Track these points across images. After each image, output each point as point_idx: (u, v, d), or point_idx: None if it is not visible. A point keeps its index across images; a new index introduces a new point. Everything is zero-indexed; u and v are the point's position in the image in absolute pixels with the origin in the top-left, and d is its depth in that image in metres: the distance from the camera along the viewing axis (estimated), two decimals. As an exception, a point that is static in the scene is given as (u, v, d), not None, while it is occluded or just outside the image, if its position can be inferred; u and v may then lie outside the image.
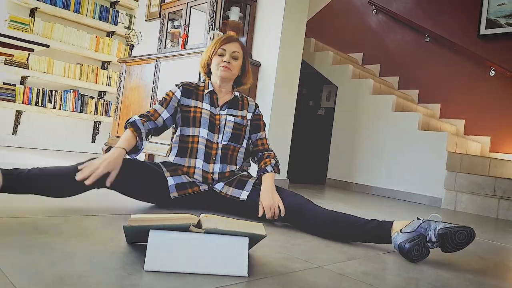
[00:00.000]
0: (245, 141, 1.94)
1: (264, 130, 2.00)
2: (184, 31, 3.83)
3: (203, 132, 1.82)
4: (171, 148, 1.90)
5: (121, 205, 1.75)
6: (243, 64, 1.94)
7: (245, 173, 1.92)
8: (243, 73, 1.96)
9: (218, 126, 1.85)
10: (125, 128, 1.72)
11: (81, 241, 1.16)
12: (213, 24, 3.58)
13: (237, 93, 1.95)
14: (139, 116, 1.78)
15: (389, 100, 4.33)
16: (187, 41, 3.80)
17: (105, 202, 1.77)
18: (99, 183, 1.55)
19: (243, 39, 3.64)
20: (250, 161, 2.05)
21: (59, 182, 1.52)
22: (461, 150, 4.15)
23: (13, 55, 2.94)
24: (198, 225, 1.03)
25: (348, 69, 4.70)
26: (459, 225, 1.35)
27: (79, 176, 1.49)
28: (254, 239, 1.11)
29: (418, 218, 1.44)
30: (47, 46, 2.52)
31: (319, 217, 1.58)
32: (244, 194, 1.77)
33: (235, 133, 1.88)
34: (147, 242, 1.15)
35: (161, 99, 1.86)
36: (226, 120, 1.87)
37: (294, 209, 1.65)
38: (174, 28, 4.17)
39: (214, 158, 1.82)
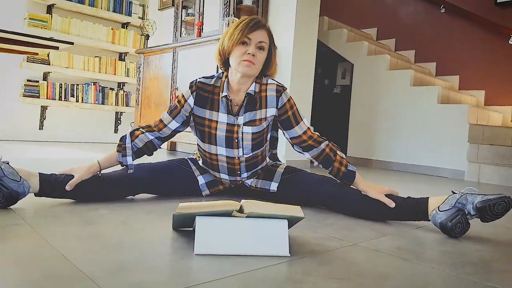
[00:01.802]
0: (269, 135, 1.80)
1: (302, 119, 1.72)
2: (199, 19, 3.87)
3: (221, 150, 1.72)
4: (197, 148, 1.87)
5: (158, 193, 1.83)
6: (268, 55, 1.68)
7: (270, 160, 1.89)
8: (267, 65, 1.70)
9: (236, 140, 1.70)
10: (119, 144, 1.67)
11: (129, 230, 1.24)
12: (227, 10, 3.60)
13: (252, 89, 1.68)
14: (142, 128, 1.71)
15: (407, 75, 4.31)
16: (202, 29, 3.84)
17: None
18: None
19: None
20: (294, 149, 1.79)
21: (93, 189, 1.57)
22: (483, 121, 4.13)
23: (37, 53, 3.03)
24: (240, 210, 1.09)
25: (363, 45, 4.68)
26: (496, 196, 1.36)
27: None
28: (292, 221, 1.17)
29: (453, 192, 1.45)
30: (72, 43, 2.59)
31: (356, 199, 1.62)
32: (273, 186, 1.78)
33: (256, 143, 1.73)
34: (191, 228, 1.23)
35: (171, 106, 1.74)
36: (243, 132, 1.69)
37: (331, 195, 1.66)
38: (188, 16, 4.21)
39: (239, 172, 1.77)
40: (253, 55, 1.59)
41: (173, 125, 1.71)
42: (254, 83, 1.69)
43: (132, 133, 1.69)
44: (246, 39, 1.59)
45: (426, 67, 5.39)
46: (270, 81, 1.73)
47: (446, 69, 5.30)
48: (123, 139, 1.66)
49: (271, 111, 1.72)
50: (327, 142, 1.72)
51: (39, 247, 1.02)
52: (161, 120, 1.72)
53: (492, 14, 4.94)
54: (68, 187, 1.50)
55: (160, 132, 1.71)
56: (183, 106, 1.70)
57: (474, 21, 5.05)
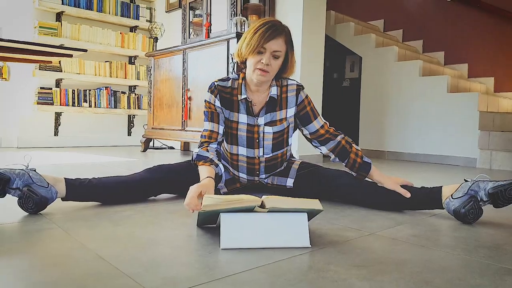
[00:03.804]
0: (290, 139, 1.86)
1: (319, 114, 1.81)
2: (207, 20, 3.92)
3: (242, 150, 1.78)
4: None
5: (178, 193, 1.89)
6: (285, 60, 1.70)
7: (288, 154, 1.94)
8: (284, 68, 1.74)
9: (257, 140, 1.77)
10: (193, 164, 1.68)
11: (157, 228, 1.31)
12: (235, 9, 3.65)
13: (274, 92, 1.74)
14: (199, 147, 1.71)
15: (416, 65, 4.33)
16: (210, 29, 3.90)
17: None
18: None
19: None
20: (313, 144, 1.85)
21: (117, 192, 1.65)
22: (493, 108, 4.14)
23: (51, 61, 3.11)
24: (262, 205, 1.15)
25: (371, 38, 4.70)
26: (507, 182, 1.40)
27: (190, 210, 1.32)
28: (312, 214, 1.22)
29: (465, 180, 1.49)
30: (85, 50, 2.66)
31: (371, 191, 1.67)
32: (289, 182, 1.84)
33: (276, 143, 1.78)
34: (214, 224, 1.29)
35: (207, 114, 1.76)
36: (264, 132, 1.76)
37: (347, 188, 1.71)
38: (196, 17, 4.26)
39: (257, 172, 1.82)
40: (267, 64, 1.62)
41: (221, 129, 1.75)
42: (275, 87, 1.75)
43: (200, 150, 1.68)
44: (261, 49, 1.61)
45: (435, 56, 5.40)
46: (289, 81, 1.79)
47: (454, 57, 5.30)
48: (201, 157, 1.64)
49: (291, 111, 1.79)
50: (343, 135, 1.79)
51: (75, 249, 1.09)
52: (211, 131, 1.73)
53: (498, 0, 4.92)
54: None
55: (217, 140, 1.73)
56: (217, 110, 1.75)
57: (481, 8, 5.04)
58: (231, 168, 1.87)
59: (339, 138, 1.78)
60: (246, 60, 1.71)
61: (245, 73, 1.76)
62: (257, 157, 1.79)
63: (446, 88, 4.07)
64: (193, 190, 1.37)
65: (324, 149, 1.80)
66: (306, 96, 1.81)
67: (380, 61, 4.61)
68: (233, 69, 3.19)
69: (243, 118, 1.75)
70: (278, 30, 1.63)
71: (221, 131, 1.75)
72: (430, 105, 4.16)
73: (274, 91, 1.75)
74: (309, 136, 1.82)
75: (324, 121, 1.82)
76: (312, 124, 1.79)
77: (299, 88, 1.79)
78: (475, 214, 1.43)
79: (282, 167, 1.89)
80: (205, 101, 1.77)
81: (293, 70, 1.77)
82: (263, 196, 1.18)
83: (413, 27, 5.71)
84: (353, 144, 1.77)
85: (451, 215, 1.49)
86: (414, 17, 5.71)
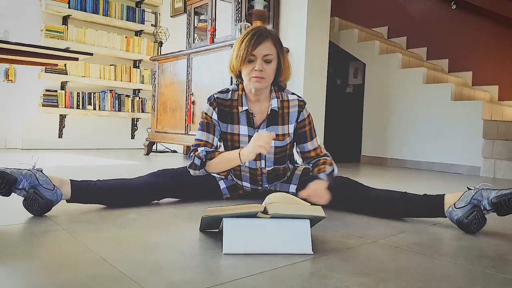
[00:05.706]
0: (292, 150, 1.87)
1: (315, 136, 1.80)
2: (212, 25, 3.94)
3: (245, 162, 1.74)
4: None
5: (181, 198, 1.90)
6: (278, 63, 1.68)
7: (291, 165, 1.94)
8: (278, 72, 1.71)
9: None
10: (203, 162, 1.70)
11: (160, 232, 1.31)
12: (239, 15, 3.67)
13: (275, 105, 1.72)
14: (191, 152, 1.73)
15: (419, 73, 4.34)
16: (215, 35, 3.92)
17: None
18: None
19: (269, 27, 3.71)
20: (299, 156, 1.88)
21: (121, 195, 1.66)
22: (497, 117, 4.13)
23: (57, 64, 3.14)
24: (265, 211, 1.16)
25: (375, 45, 4.72)
26: (510, 191, 1.39)
27: (265, 152, 1.50)
28: (314, 220, 1.23)
29: (468, 188, 1.48)
30: (91, 54, 2.69)
31: (373, 197, 1.67)
32: (292, 188, 1.84)
33: (278, 157, 1.78)
34: (217, 229, 1.30)
35: (202, 124, 1.76)
36: None
37: (349, 195, 1.71)
38: (201, 22, 4.29)
39: (260, 182, 1.83)
40: (261, 70, 1.61)
41: (216, 140, 1.76)
42: (275, 99, 1.74)
43: (205, 150, 1.72)
44: (251, 56, 1.61)
45: (439, 64, 5.41)
46: (291, 97, 1.78)
47: (458, 65, 5.31)
48: (209, 151, 1.70)
49: (292, 127, 1.78)
50: (328, 158, 1.76)
51: (79, 252, 1.09)
52: (206, 142, 1.74)
53: (503, 8, 4.94)
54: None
55: (211, 148, 1.75)
56: (212, 121, 1.75)
57: (485, 16, 5.05)
58: (234, 178, 1.88)
59: (322, 159, 1.75)
60: (240, 73, 1.70)
61: (242, 82, 1.75)
62: (259, 169, 1.79)
63: (450, 96, 4.07)
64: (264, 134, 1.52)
65: (302, 161, 1.85)
66: (308, 116, 1.79)
67: (384, 68, 4.62)
68: (238, 74, 3.20)
69: (243, 130, 1.75)
70: (263, 35, 1.62)
71: (215, 143, 1.76)
72: (434, 113, 4.16)
73: (275, 103, 1.73)
74: (299, 154, 1.84)
75: (319, 144, 1.80)
76: (306, 145, 1.79)
77: (301, 104, 1.77)
78: (478, 224, 1.42)
79: (285, 178, 1.89)
80: (202, 112, 1.77)
81: (288, 72, 1.75)
82: (265, 201, 1.19)
83: (417, 34, 5.73)
84: (327, 165, 1.69)
85: (454, 224, 1.49)
86: (418, 24, 5.73)
